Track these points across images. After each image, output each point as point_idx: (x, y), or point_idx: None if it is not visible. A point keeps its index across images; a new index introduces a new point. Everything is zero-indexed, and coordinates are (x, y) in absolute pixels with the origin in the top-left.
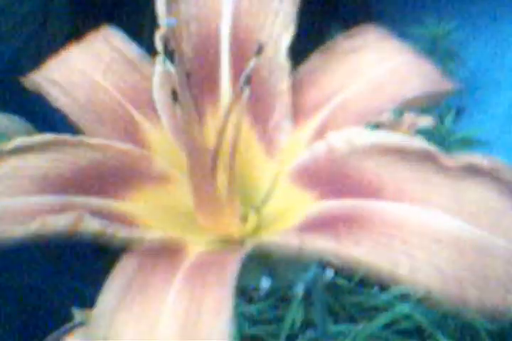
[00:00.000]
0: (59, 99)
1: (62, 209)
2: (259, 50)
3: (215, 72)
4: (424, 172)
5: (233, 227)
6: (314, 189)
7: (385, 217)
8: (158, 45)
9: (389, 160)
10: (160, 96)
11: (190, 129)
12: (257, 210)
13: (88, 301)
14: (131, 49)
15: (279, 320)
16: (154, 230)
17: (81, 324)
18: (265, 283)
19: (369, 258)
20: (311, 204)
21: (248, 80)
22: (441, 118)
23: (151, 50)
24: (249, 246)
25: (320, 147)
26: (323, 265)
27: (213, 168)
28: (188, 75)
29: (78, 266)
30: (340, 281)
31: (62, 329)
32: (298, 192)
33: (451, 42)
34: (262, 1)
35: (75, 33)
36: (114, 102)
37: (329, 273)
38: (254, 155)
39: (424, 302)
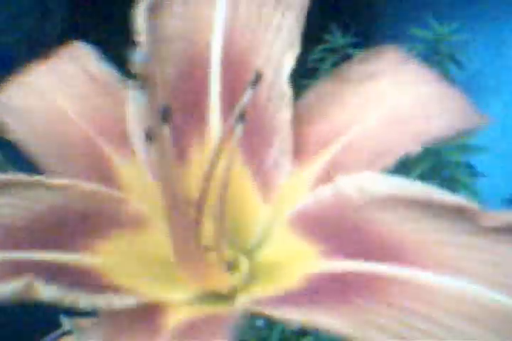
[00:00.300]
0: (16, 128)
1: (11, 269)
2: (257, 79)
3: (203, 99)
4: (455, 232)
5: (220, 281)
6: (319, 242)
7: (406, 287)
8: (136, 68)
9: (411, 215)
10: (135, 127)
11: (168, 175)
12: (249, 257)
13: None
14: (103, 70)
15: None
16: (126, 292)
17: (69, 332)
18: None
19: None
20: (314, 261)
21: (242, 115)
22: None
23: None
24: (236, 315)
25: (327, 192)
26: None
27: (197, 219)
28: (167, 108)
29: None
30: None
31: (51, 336)
32: (298, 243)
33: (451, 44)
34: (261, 16)
35: (72, 28)
36: (80, 133)
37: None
38: (247, 196)
39: None
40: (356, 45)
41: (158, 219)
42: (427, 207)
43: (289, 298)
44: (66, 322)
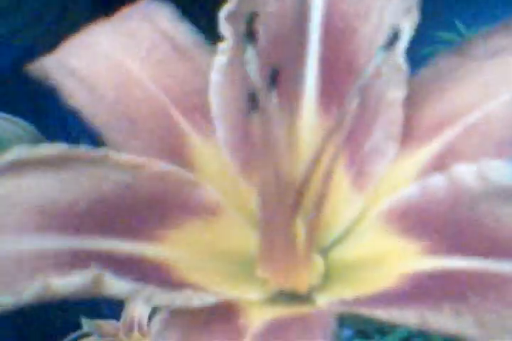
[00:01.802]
0: (76, 94)
1: (71, 259)
2: (392, 40)
3: (299, 71)
4: None
5: (304, 278)
6: (422, 238)
7: None
8: (224, 27)
9: None
10: (219, 99)
11: (271, 153)
12: (324, 255)
13: (97, 311)
14: (181, 31)
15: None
16: (199, 288)
17: (89, 333)
18: None
19: None
20: (415, 259)
21: (359, 93)
22: None
23: None
24: (328, 314)
25: (438, 181)
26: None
27: (295, 210)
28: (275, 70)
29: None
30: (341, 331)
31: (70, 337)
32: (393, 239)
33: None
34: None
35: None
36: (154, 104)
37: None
38: (336, 183)
39: None
40: None
41: (234, 208)
42: None
43: (384, 298)
44: (86, 324)
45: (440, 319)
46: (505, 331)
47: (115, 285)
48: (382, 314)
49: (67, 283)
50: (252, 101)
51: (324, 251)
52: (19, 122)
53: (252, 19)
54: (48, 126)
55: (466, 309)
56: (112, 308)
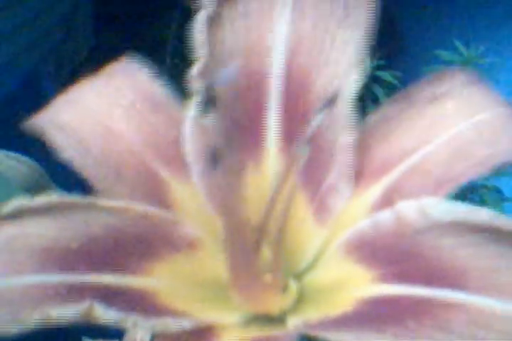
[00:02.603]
0: (66, 148)
1: (68, 292)
2: (333, 99)
3: (260, 120)
4: None
5: (274, 303)
6: (374, 267)
7: (470, 315)
8: (195, 86)
9: (475, 241)
10: (192, 149)
11: (230, 199)
12: (299, 280)
13: (97, 329)
14: (158, 88)
15: None
16: (181, 315)
17: None
18: None
19: None
20: (368, 286)
21: (310, 139)
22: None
23: (173, 68)
24: (292, 336)
25: (386, 217)
26: None
27: (258, 243)
28: (228, 129)
29: None
30: None
31: None
32: (351, 267)
33: (477, 68)
34: (326, 31)
35: (97, 47)
36: (135, 154)
37: None
38: (301, 219)
39: None
40: (382, 68)
41: (212, 242)
42: (489, 232)
43: (342, 321)
44: None
45: None
46: None
47: (104, 315)
48: (334, 336)
49: (65, 312)
50: (212, 159)
51: (298, 277)
52: (26, 161)
53: (211, 84)
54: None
55: (404, 333)
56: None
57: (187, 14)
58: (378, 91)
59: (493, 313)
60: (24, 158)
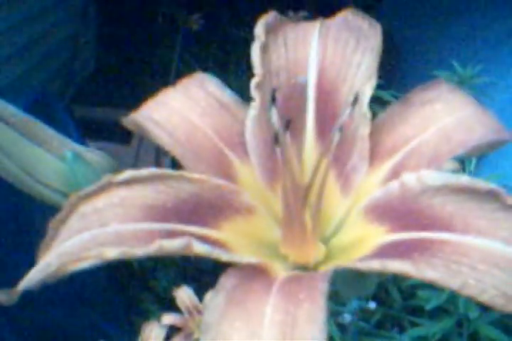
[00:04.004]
0: (162, 137)
1: (167, 235)
2: (355, 101)
3: (302, 118)
4: (488, 209)
5: (311, 256)
6: (385, 223)
7: (454, 247)
8: (253, 92)
9: (457, 199)
10: (252, 138)
11: (289, 170)
12: (326, 241)
13: (108, 337)
14: (225, 94)
15: None
16: (247, 256)
17: None
18: None
19: (442, 280)
20: (381, 237)
21: (340, 129)
22: (462, 164)
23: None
24: (333, 267)
25: (394, 186)
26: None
27: (304, 205)
28: (287, 121)
29: (99, 302)
30: (360, 323)
31: None
32: (368, 226)
33: (473, 87)
34: (345, 55)
35: (102, 67)
36: (210, 142)
37: (372, 305)
38: (330, 192)
39: None
40: (382, 87)
41: (264, 209)
42: (469, 192)
43: (364, 258)
44: None
45: (393, 265)
46: (433, 269)
47: (200, 247)
48: (360, 266)
49: (173, 243)
50: (276, 139)
51: (326, 240)
52: (104, 156)
53: (274, 91)
54: None
55: (410, 261)
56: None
57: (190, 37)
58: (377, 110)
59: (473, 246)
60: (98, 151)
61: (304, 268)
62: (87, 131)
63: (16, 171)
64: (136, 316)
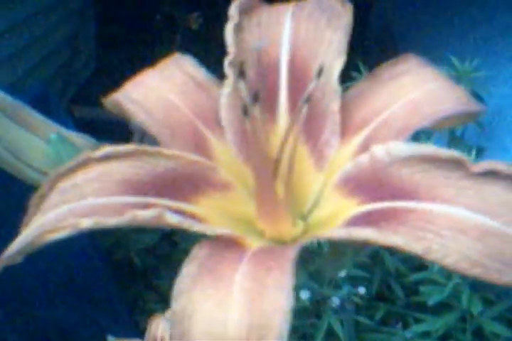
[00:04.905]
0: (139, 115)
1: (142, 208)
2: (319, 74)
3: (274, 94)
4: (453, 177)
5: (286, 230)
6: (357, 195)
7: (420, 215)
8: (226, 69)
9: (424, 168)
10: (226, 114)
11: (258, 142)
12: (305, 217)
13: (108, 333)
14: (200, 73)
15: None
16: (219, 227)
17: None
18: (304, 295)
19: (407, 245)
20: (354, 209)
21: (306, 101)
22: None
23: None
24: (303, 239)
25: (363, 158)
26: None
27: (274, 177)
28: (256, 95)
29: (100, 299)
30: (363, 319)
31: None
32: (342, 199)
33: (472, 81)
34: (316, 32)
35: (101, 67)
36: (186, 119)
37: (361, 291)
38: (305, 168)
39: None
40: None
41: (240, 185)
42: (434, 161)
43: (335, 228)
44: None
45: (358, 232)
46: (397, 235)
47: (171, 218)
48: (327, 235)
49: (146, 213)
50: (244, 111)
51: (305, 216)
52: (90, 139)
53: (242, 65)
54: None
55: (379, 230)
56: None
57: (189, 36)
58: None
59: (438, 213)
60: (82, 134)
61: (281, 243)
62: (88, 131)
63: (2, 153)
64: (140, 316)
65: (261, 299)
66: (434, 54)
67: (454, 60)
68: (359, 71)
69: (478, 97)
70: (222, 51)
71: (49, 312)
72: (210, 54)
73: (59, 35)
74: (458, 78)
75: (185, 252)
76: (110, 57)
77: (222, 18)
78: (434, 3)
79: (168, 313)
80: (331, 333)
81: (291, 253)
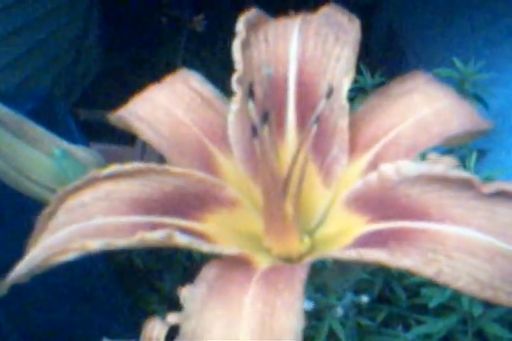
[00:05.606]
0: (146, 133)
1: (151, 228)
2: (329, 92)
3: (283, 111)
4: (463, 198)
5: (293, 247)
6: (366, 213)
7: (430, 235)
8: (234, 86)
9: (433, 188)
10: (234, 132)
11: (267, 161)
12: (311, 233)
13: (109, 335)
14: (207, 89)
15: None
16: (228, 247)
17: None
18: (307, 305)
19: (418, 268)
20: (362, 227)
21: (316, 120)
22: (462, 161)
23: None
24: (312, 258)
25: (372, 176)
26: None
27: (284, 196)
28: (265, 115)
29: (102, 300)
30: (365, 322)
31: None
32: (350, 217)
33: (475, 83)
34: (324, 49)
35: (105, 70)
36: (193, 137)
37: (364, 299)
38: (312, 184)
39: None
40: (383, 85)
41: (248, 202)
42: (443, 181)
43: (344, 248)
44: None
45: (369, 254)
46: (408, 257)
47: (181, 238)
48: (338, 255)
49: (155, 235)
50: (254, 131)
51: (311, 232)
52: (91, 152)
53: (251, 84)
54: None
55: (385, 249)
56: None
57: (193, 38)
58: None
59: (448, 234)
60: (87, 148)
61: (288, 260)
62: (91, 134)
63: (5, 168)
64: (142, 317)
65: (271, 321)
66: (437, 56)
67: (457, 62)
68: (362, 74)
69: (480, 99)
70: (226, 54)
71: (50, 313)
72: (214, 56)
73: (63, 39)
74: (461, 80)
75: (188, 254)
76: (114, 60)
77: (226, 20)
78: (437, 6)
79: (169, 315)
80: (332, 335)
81: (301, 274)
